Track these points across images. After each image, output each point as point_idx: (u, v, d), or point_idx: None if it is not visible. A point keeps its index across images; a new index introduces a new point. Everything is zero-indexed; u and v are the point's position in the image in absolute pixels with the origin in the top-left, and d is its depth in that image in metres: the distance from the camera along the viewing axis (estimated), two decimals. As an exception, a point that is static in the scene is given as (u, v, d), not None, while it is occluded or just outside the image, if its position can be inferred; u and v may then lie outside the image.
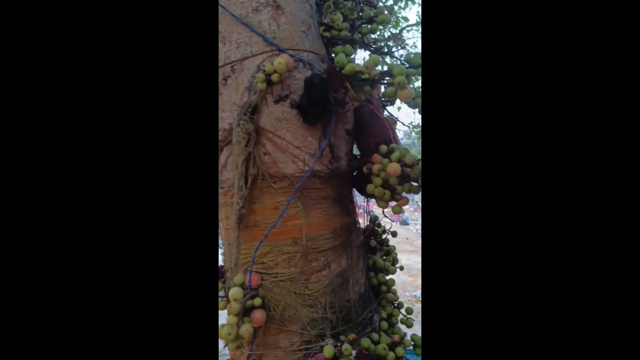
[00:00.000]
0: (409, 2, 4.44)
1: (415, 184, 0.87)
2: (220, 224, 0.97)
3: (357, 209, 1.04)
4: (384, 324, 0.96)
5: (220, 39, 0.84)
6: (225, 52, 0.84)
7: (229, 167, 0.88)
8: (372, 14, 1.05)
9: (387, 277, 1.06)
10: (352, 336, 0.82)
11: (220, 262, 0.99)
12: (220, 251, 1.03)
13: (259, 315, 0.81)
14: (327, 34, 1.03)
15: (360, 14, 1.12)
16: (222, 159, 0.89)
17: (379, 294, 1.02)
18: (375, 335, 0.87)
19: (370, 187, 0.91)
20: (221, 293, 0.95)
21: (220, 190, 0.91)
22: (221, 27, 0.84)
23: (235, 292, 0.81)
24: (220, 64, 0.85)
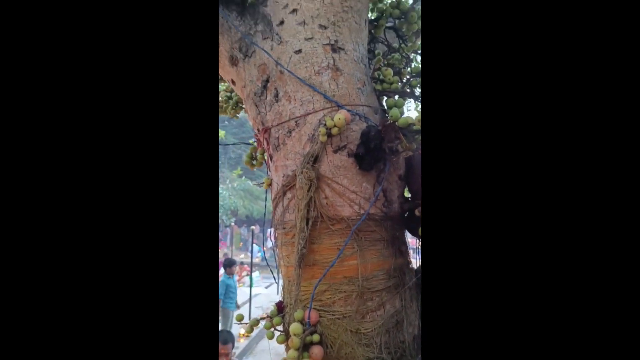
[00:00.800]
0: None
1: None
2: (280, 262, 1.05)
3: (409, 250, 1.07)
4: (439, 369, 0.96)
5: (286, 98, 0.97)
6: (291, 108, 0.96)
7: (291, 209, 0.97)
8: (421, 68, 1.14)
9: (441, 320, 1.06)
10: (407, 379, 0.83)
11: (280, 298, 1.05)
12: (278, 286, 1.11)
13: (317, 351, 0.85)
14: (379, 86, 1.13)
15: (409, 67, 1.21)
16: (284, 202, 0.99)
17: (433, 337, 1.02)
18: (430, 380, 0.87)
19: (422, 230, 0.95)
20: (280, 327, 1.01)
21: (282, 231, 1.00)
22: (287, 88, 0.97)
23: (295, 327, 0.87)
24: (285, 119, 0.97)
